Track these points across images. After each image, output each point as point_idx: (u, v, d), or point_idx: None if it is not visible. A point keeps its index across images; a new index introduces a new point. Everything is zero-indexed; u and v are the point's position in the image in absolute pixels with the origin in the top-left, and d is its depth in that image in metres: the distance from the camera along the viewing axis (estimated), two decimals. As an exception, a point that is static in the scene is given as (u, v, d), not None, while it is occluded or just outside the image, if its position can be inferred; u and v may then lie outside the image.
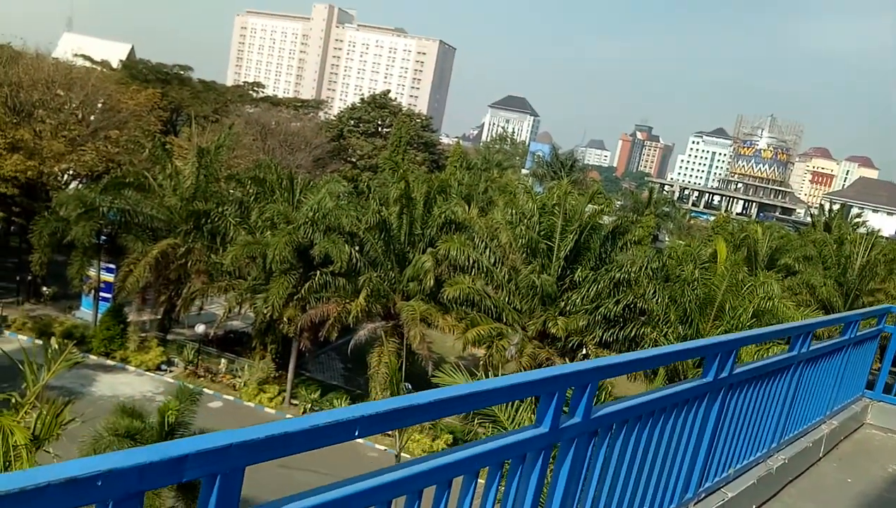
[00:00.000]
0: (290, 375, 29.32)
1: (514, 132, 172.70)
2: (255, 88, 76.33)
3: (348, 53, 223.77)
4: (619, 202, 66.50)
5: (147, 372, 30.04)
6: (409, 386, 25.92)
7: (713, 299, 21.47)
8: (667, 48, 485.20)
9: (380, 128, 69.61)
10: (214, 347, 32.60)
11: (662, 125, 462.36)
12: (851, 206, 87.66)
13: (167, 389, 27.10)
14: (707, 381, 3.67)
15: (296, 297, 26.65)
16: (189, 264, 29.09)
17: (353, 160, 65.88)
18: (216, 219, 29.23)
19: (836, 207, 79.42)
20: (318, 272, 25.94)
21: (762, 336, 4.61)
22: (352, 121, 71.09)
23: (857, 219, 70.89)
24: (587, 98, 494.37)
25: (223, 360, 31.73)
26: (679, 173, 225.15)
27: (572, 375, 2.48)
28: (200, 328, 32.15)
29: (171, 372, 30.54)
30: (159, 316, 32.85)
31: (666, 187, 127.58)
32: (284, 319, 27.29)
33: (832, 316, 5.95)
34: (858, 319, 6.19)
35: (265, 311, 26.69)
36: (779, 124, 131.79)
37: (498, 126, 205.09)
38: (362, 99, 75.17)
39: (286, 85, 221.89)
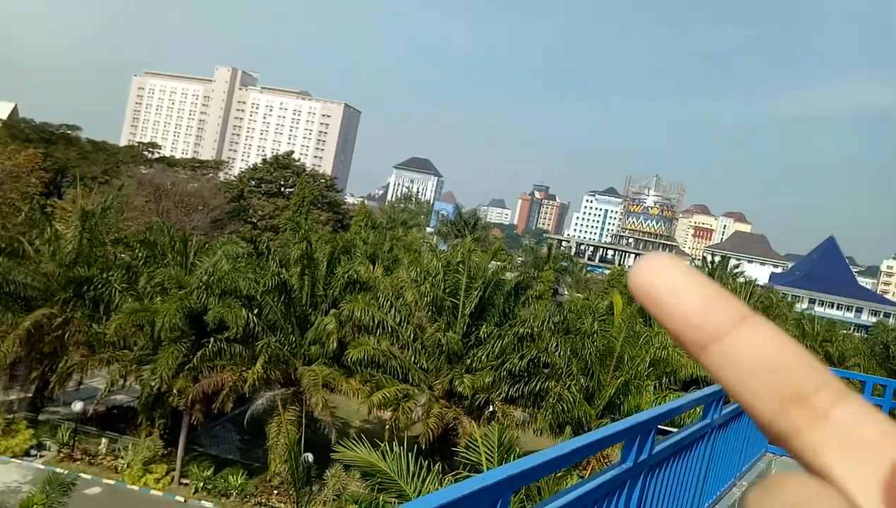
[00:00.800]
0: (179, 452, 27.17)
1: (418, 192, 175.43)
2: (150, 149, 73.54)
3: (251, 115, 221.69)
4: (520, 258, 68.33)
5: (13, 459, 26.85)
6: (311, 457, 24.66)
7: (612, 350, 22.07)
8: (562, 112, 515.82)
9: (282, 189, 68.55)
10: (94, 426, 29.72)
11: (559, 185, 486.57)
12: (730, 258, 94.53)
13: (36, 477, 24.29)
14: (627, 467, 3.30)
15: (187, 367, 24.99)
16: (67, 335, 26.73)
17: (254, 221, 64.21)
18: (100, 286, 27.20)
19: (716, 259, 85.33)
20: (212, 339, 24.54)
21: (681, 408, 4.37)
22: (253, 182, 69.63)
23: (735, 270, 76.51)
24: (488, 159, 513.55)
25: (104, 440, 28.93)
26: (575, 229, 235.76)
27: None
28: (78, 405, 29.29)
29: (41, 457, 27.48)
30: (30, 395, 29.76)
31: (563, 243, 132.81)
32: (174, 391, 25.42)
33: None
34: None
35: (152, 384, 24.78)
36: (663, 183, 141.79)
37: (403, 186, 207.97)
38: (264, 159, 74.07)
39: (185, 146, 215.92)
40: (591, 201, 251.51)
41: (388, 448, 9.47)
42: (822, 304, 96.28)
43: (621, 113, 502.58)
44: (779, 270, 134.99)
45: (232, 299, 24.66)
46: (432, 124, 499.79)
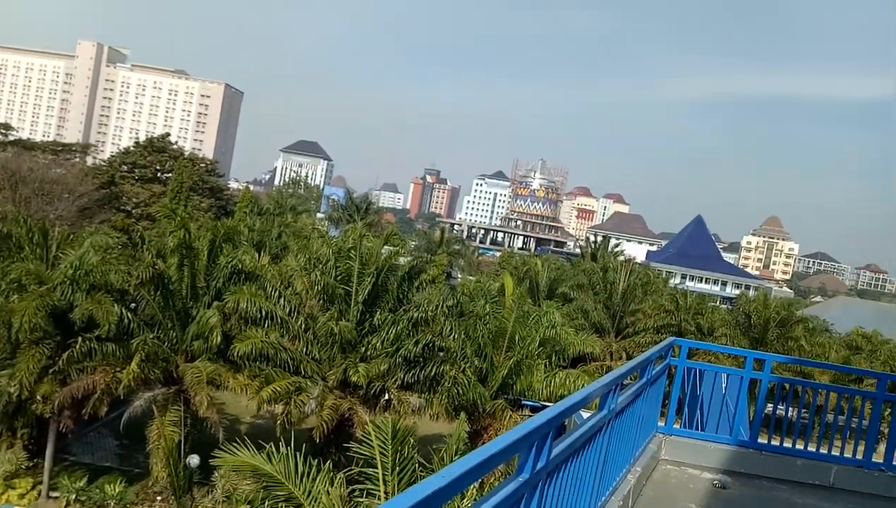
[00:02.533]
0: (47, 463, 24.84)
1: (307, 176, 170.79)
2: (3, 131, 66.28)
3: (121, 95, 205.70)
4: (413, 243, 68.38)
5: None
6: (197, 459, 23.30)
7: (504, 331, 22.42)
8: (448, 93, 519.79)
9: (158, 174, 64.14)
10: (-57, 441, 26.50)
11: (449, 169, 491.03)
12: (611, 238, 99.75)
13: None
14: (524, 479, 2.89)
15: (52, 371, 22.77)
16: None
17: (128, 209, 59.73)
18: (-60, 285, 24.09)
19: (599, 239, 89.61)
20: (81, 339, 22.48)
21: (580, 402, 3.99)
22: (125, 167, 64.63)
23: (616, 249, 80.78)
24: (379, 142, 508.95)
25: (-45, 457, 25.88)
26: (466, 213, 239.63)
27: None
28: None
29: None
30: None
31: (455, 227, 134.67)
32: (38, 397, 23.14)
33: (635, 361, 5.85)
34: (654, 358, 6.38)
35: (11, 391, 22.39)
36: (548, 167, 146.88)
37: (291, 170, 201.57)
38: (137, 142, 68.91)
39: (46, 128, 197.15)
40: (481, 185, 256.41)
41: (273, 450, 8.96)
42: (693, 279, 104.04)
43: (506, 96, 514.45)
44: (654, 248, 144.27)
45: (102, 294, 22.66)
46: (320, 106, 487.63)
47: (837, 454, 7.98)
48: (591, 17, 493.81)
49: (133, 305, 24.53)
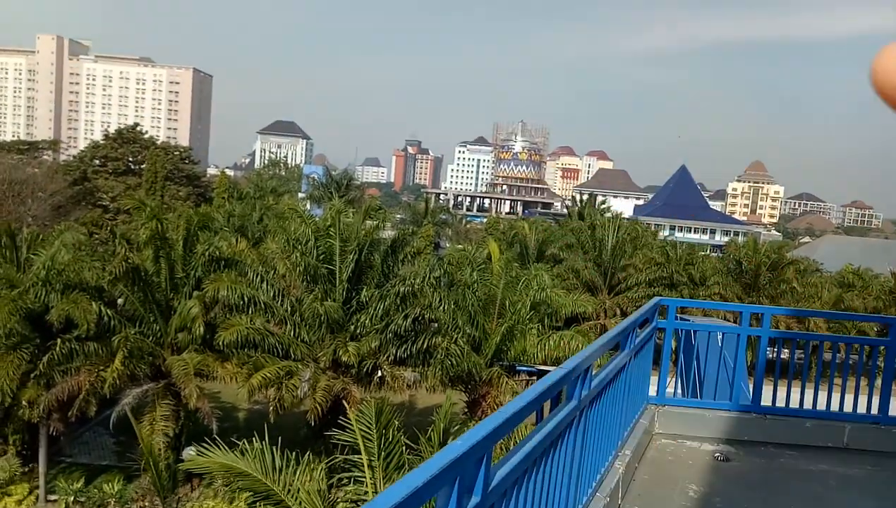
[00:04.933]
0: (41, 467, 24.40)
1: (287, 156, 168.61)
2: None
3: (88, 88, 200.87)
4: (399, 215, 67.60)
5: None
6: (194, 451, 22.89)
7: (494, 298, 21.98)
8: (423, 61, 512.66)
9: (132, 165, 62.68)
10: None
11: (430, 138, 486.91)
12: (597, 195, 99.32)
13: None
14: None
15: (34, 375, 22.16)
16: None
17: (105, 204, 58.45)
18: None
19: (585, 197, 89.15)
20: (60, 340, 21.83)
21: (521, 413, 3.94)
22: (97, 161, 63.07)
23: (603, 206, 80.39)
24: (357, 117, 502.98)
25: (-54, 469, 25.37)
26: (451, 182, 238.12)
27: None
28: None
29: None
30: None
31: (441, 196, 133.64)
32: (23, 403, 22.59)
33: (610, 334, 5.01)
34: (636, 325, 5.66)
35: (-5, 398, 21.78)
36: (529, 129, 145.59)
37: (269, 152, 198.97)
38: (106, 134, 67.19)
39: (15, 128, 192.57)
40: (463, 152, 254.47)
41: (246, 446, 8.48)
42: (681, 230, 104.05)
43: (477, 59, 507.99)
44: (641, 202, 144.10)
45: (77, 293, 21.95)
46: (293, 84, 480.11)
47: (850, 411, 7.34)
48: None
49: (119, 301, 23.86)
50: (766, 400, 7.33)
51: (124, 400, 23.13)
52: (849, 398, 7.36)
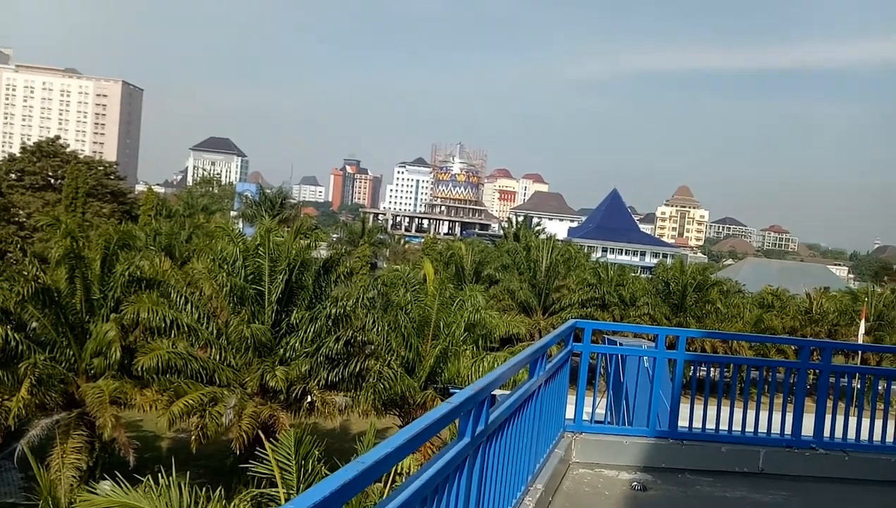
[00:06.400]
0: (-64, 508, 22.33)
1: (221, 174, 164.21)
2: None
3: (7, 98, 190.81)
4: (335, 235, 66.72)
5: None
6: (109, 485, 21.50)
7: (428, 319, 21.75)
8: (363, 81, 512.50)
9: (51, 180, 59.47)
10: None
11: (369, 158, 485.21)
12: (532, 217, 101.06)
13: None
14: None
15: (-71, 405, 20.31)
16: None
17: (19, 220, 55.13)
18: None
19: (521, 219, 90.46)
20: (-41, 367, 20.15)
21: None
22: (13, 175, 59.56)
23: (538, 228, 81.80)
24: (295, 135, 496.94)
25: None
26: (390, 202, 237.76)
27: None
28: None
29: None
30: None
31: (380, 216, 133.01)
32: (-83, 436, 20.65)
33: (515, 360, 4.58)
34: (546, 349, 5.30)
35: None
36: (467, 151, 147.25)
37: (202, 169, 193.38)
38: (24, 147, 63.63)
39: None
40: (402, 172, 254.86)
41: (151, 483, 7.90)
42: (613, 252, 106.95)
43: (416, 81, 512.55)
44: (575, 224, 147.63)
45: (-20, 317, 20.37)
46: (229, 100, 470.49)
47: (764, 433, 7.36)
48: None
49: (34, 324, 22.29)
50: (684, 421, 7.29)
51: (31, 432, 21.52)
52: (765, 417, 7.40)
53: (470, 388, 3.30)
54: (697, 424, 7.45)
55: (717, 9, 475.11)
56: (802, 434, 7.29)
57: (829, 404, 7.35)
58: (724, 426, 7.35)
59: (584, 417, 7.09)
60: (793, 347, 31.98)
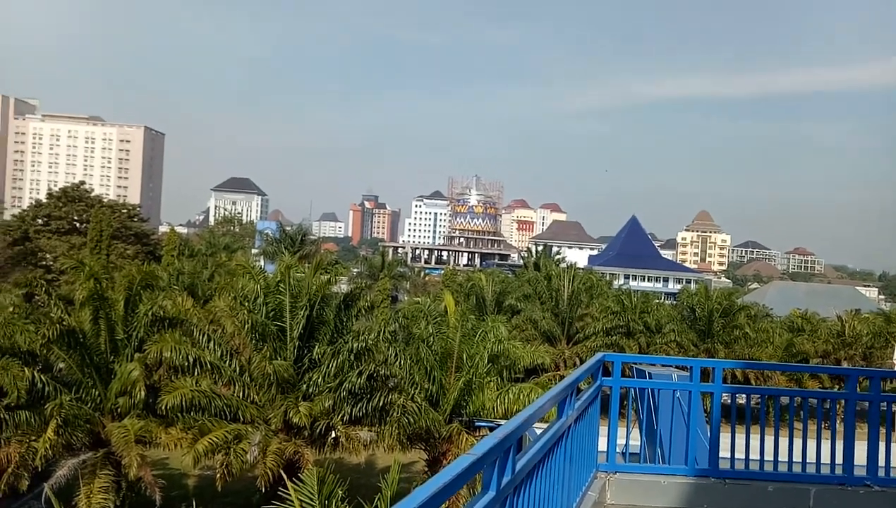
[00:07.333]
0: (-36, 552, 22.29)
1: (241, 213, 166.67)
2: None
3: (34, 147, 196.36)
4: (355, 269, 67.00)
5: None
6: (134, 525, 21.39)
7: (451, 351, 21.53)
8: (379, 119, 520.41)
9: (77, 224, 60.74)
10: None
11: (387, 193, 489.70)
12: (551, 246, 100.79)
13: None
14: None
15: (-42, 448, 20.45)
16: None
17: (46, 264, 56.20)
18: None
19: (540, 248, 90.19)
20: (-13, 410, 20.31)
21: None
22: (39, 220, 60.94)
23: (558, 256, 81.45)
24: (313, 173, 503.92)
25: None
26: (409, 235, 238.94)
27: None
28: None
29: None
30: None
31: (399, 250, 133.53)
32: (-53, 480, 20.73)
33: (542, 400, 4.34)
34: (575, 385, 5.04)
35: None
36: (483, 183, 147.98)
37: (223, 209, 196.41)
38: (49, 193, 65.21)
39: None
40: (420, 206, 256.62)
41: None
42: (635, 279, 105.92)
43: (434, 116, 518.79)
44: (595, 252, 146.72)
45: (7, 359, 20.58)
46: (249, 140, 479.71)
47: (814, 471, 6.86)
48: (497, 29, 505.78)
49: (61, 365, 22.49)
50: (725, 452, 6.89)
51: (58, 472, 21.53)
52: (813, 450, 6.94)
53: (494, 436, 3.08)
54: (739, 455, 7.08)
55: (734, 31, 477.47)
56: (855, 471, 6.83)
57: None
58: (767, 457, 6.93)
59: (618, 455, 6.78)
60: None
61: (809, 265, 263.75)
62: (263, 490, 19.78)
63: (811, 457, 7.02)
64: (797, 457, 7.10)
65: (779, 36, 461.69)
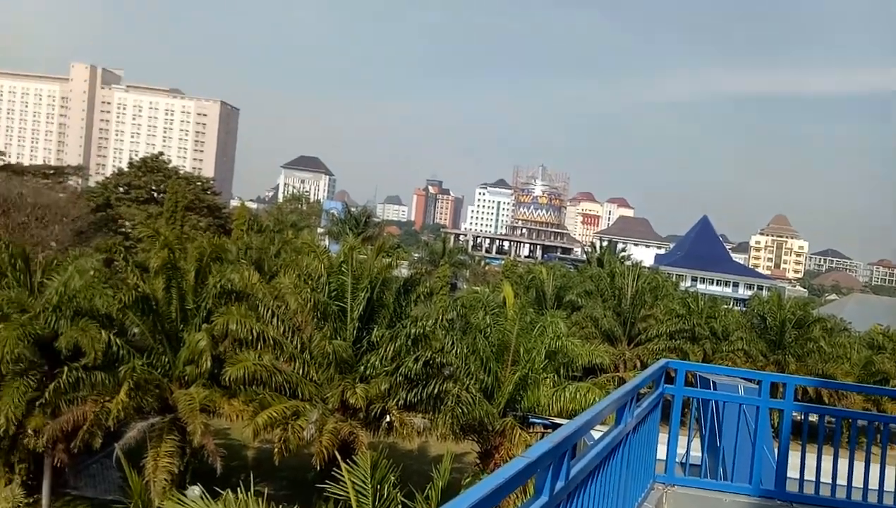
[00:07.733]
0: (44, 500, 23.84)
1: (309, 191, 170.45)
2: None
3: (118, 116, 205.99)
4: (416, 254, 67.43)
5: None
6: (198, 490, 22.19)
7: (508, 344, 21.31)
8: (447, 105, 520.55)
9: (154, 194, 63.49)
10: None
11: (451, 179, 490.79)
12: (617, 242, 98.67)
13: None
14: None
15: (39, 403, 21.77)
16: None
17: (125, 231, 59.03)
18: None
19: (604, 244, 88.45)
20: (67, 368, 21.48)
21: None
22: (120, 188, 64.01)
23: (623, 254, 79.58)
24: (381, 155, 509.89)
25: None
26: (471, 223, 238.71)
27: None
28: None
29: None
30: None
31: (461, 237, 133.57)
32: (29, 431, 22.16)
33: (602, 405, 4.18)
34: (636, 391, 4.80)
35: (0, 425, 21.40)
36: (549, 173, 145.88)
37: (292, 187, 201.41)
38: (131, 163, 68.35)
39: (46, 153, 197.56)
40: (484, 193, 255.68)
41: (231, 497, 7.91)
42: (703, 282, 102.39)
43: (501, 103, 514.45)
44: (662, 251, 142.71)
45: (87, 321, 21.66)
46: (320, 120, 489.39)
47: (891, 502, 6.47)
48: (581, 17, 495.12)
49: (135, 330, 23.55)
50: (793, 472, 6.44)
51: (129, 434, 22.60)
52: (891, 479, 6.43)
53: (549, 440, 2.98)
54: (808, 478, 6.64)
55: (813, 29, 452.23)
56: None
57: None
58: (840, 482, 6.49)
59: (677, 467, 6.48)
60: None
61: (895, 279, 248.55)
62: (318, 468, 20.17)
63: (889, 486, 6.54)
64: (873, 485, 6.59)
65: (887, 33, 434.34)
